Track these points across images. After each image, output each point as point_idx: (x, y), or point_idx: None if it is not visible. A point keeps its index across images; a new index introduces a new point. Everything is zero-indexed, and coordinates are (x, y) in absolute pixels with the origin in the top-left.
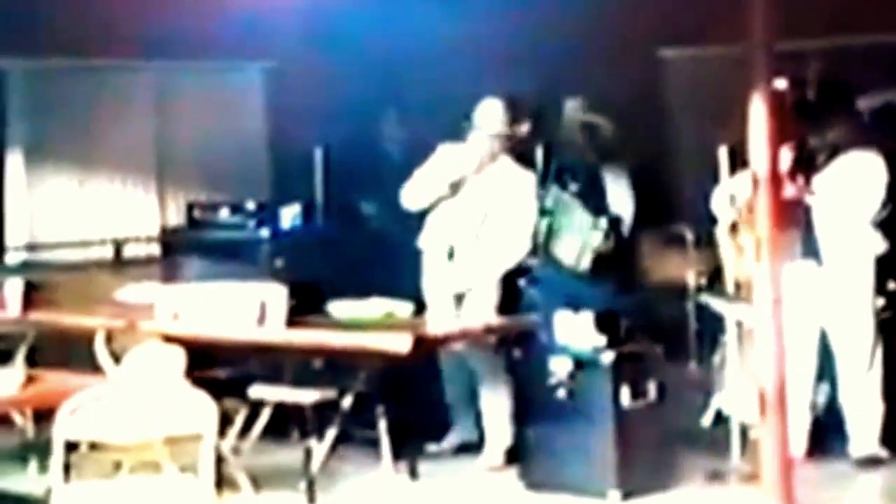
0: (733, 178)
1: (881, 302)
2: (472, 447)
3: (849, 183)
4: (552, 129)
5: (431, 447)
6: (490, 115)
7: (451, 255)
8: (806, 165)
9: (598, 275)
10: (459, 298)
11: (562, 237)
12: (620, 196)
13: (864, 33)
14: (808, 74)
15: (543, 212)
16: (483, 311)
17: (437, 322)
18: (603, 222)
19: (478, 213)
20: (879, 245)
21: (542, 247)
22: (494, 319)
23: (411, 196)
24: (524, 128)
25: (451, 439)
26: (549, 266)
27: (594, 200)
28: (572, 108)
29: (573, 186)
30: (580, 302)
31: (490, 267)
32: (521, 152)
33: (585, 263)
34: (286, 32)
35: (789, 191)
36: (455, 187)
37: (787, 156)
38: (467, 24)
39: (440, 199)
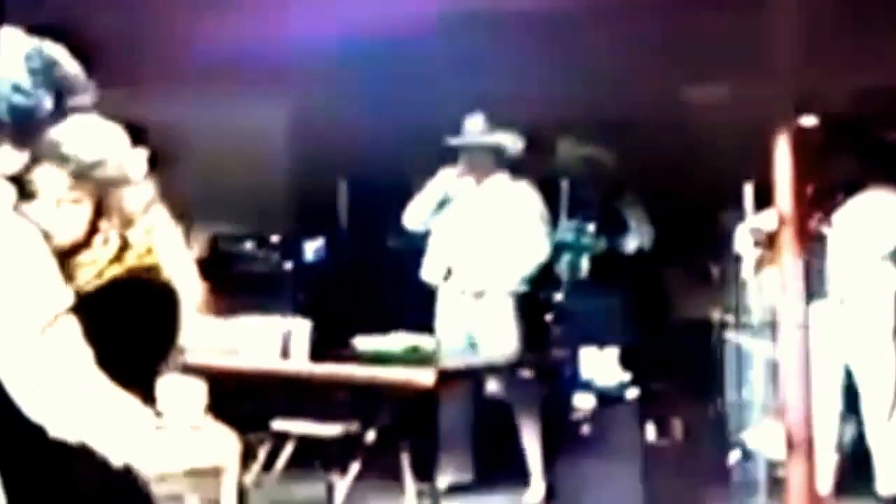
0: (758, 215)
1: None
2: (465, 488)
3: (867, 220)
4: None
5: (421, 486)
6: (471, 128)
7: (447, 276)
8: (825, 202)
9: (609, 286)
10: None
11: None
12: (634, 222)
13: (884, 74)
14: (829, 112)
15: (566, 246)
16: (502, 338)
17: (462, 356)
18: (590, 226)
19: (474, 228)
20: None
21: (568, 280)
22: (516, 349)
23: (407, 215)
24: (514, 143)
25: (442, 480)
26: (574, 298)
27: (609, 231)
28: (567, 144)
29: (588, 219)
30: (605, 338)
31: (498, 278)
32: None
33: (583, 271)
34: (312, 65)
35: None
36: (448, 204)
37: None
38: (492, 59)
39: (434, 216)
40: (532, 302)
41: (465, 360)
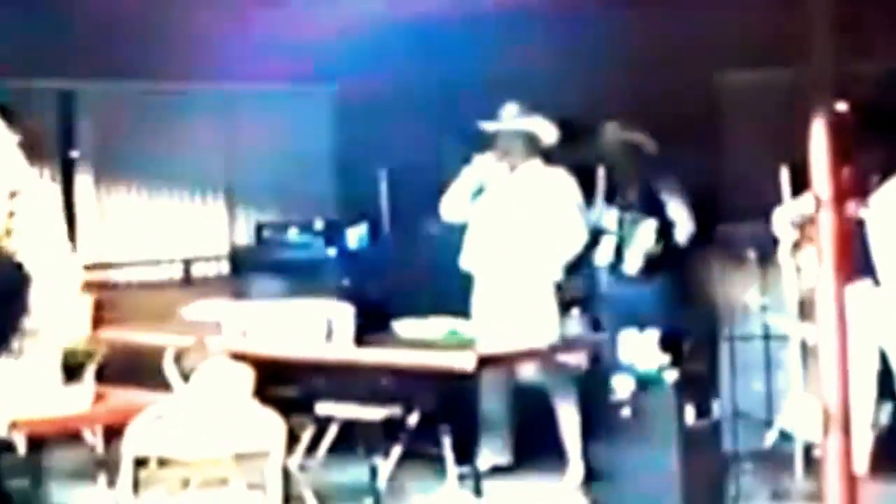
0: (795, 199)
1: None
2: (505, 470)
3: None
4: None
5: (462, 469)
6: (506, 114)
7: (484, 264)
8: (861, 185)
9: (650, 278)
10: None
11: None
12: (675, 210)
13: None
14: (866, 96)
15: (604, 232)
16: (540, 323)
17: (502, 340)
18: (651, 223)
19: (510, 215)
20: None
21: (609, 266)
22: (556, 335)
23: (445, 205)
24: (547, 131)
25: (482, 462)
26: (613, 282)
27: (651, 215)
28: (612, 128)
29: (630, 204)
30: (644, 321)
31: (534, 265)
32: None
33: (635, 266)
34: (352, 56)
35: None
36: (483, 192)
37: (847, 171)
38: (529, 47)
39: (471, 205)
40: (569, 287)
41: (504, 345)
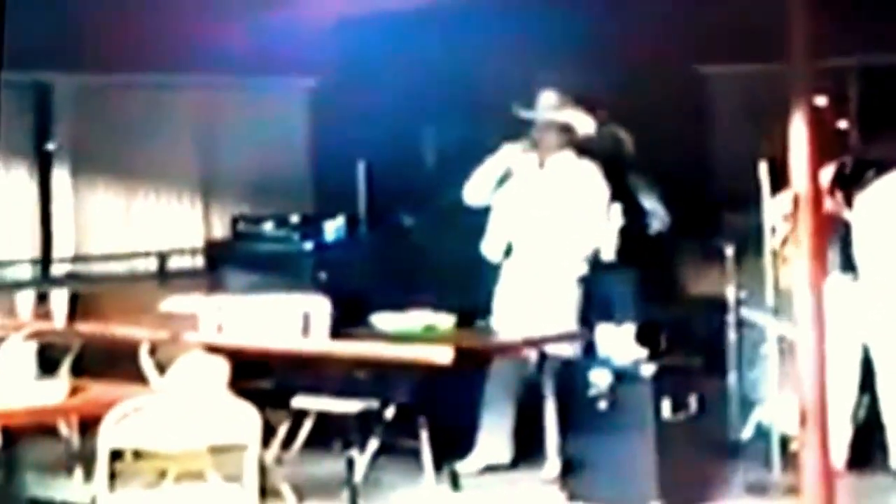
0: (777, 194)
1: None
2: (500, 468)
3: (891, 200)
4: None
5: (458, 466)
6: (542, 104)
7: (507, 252)
8: (849, 181)
9: (627, 269)
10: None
11: None
12: (651, 202)
13: None
14: (850, 92)
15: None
16: (561, 315)
17: (477, 334)
18: (616, 206)
19: (538, 205)
20: None
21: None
22: (573, 325)
23: (468, 190)
24: (586, 122)
25: (478, 460)
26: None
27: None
28: (601, 115)
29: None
30: (621, 315)
31: (560, 257)
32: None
33: (611, 252)
34: (329, 49)
35: (827, 204)
36: (509, 179)
37: (829, 171)
38: (506, 40)
39: (496, 191)
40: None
41: (481, 339)
